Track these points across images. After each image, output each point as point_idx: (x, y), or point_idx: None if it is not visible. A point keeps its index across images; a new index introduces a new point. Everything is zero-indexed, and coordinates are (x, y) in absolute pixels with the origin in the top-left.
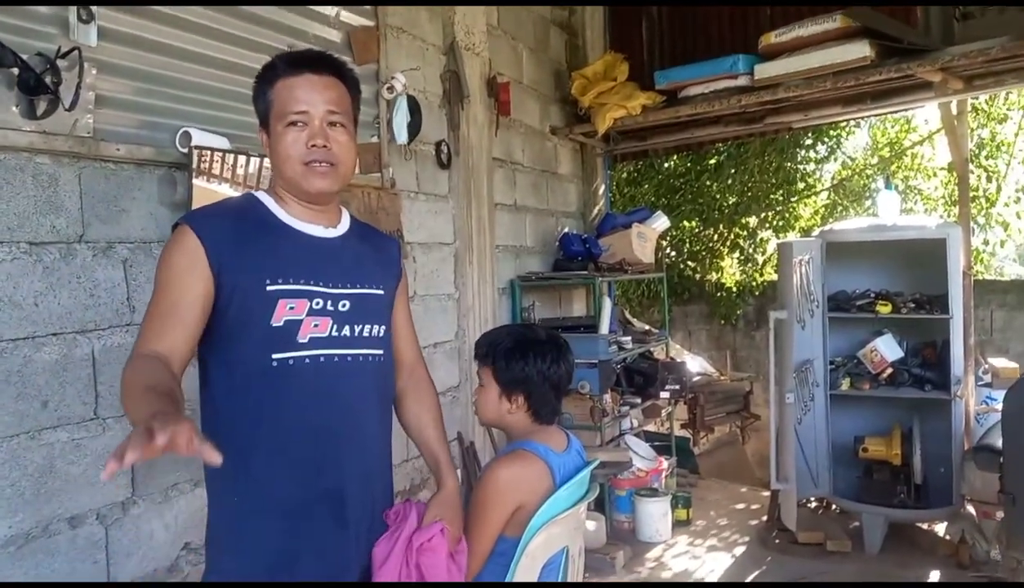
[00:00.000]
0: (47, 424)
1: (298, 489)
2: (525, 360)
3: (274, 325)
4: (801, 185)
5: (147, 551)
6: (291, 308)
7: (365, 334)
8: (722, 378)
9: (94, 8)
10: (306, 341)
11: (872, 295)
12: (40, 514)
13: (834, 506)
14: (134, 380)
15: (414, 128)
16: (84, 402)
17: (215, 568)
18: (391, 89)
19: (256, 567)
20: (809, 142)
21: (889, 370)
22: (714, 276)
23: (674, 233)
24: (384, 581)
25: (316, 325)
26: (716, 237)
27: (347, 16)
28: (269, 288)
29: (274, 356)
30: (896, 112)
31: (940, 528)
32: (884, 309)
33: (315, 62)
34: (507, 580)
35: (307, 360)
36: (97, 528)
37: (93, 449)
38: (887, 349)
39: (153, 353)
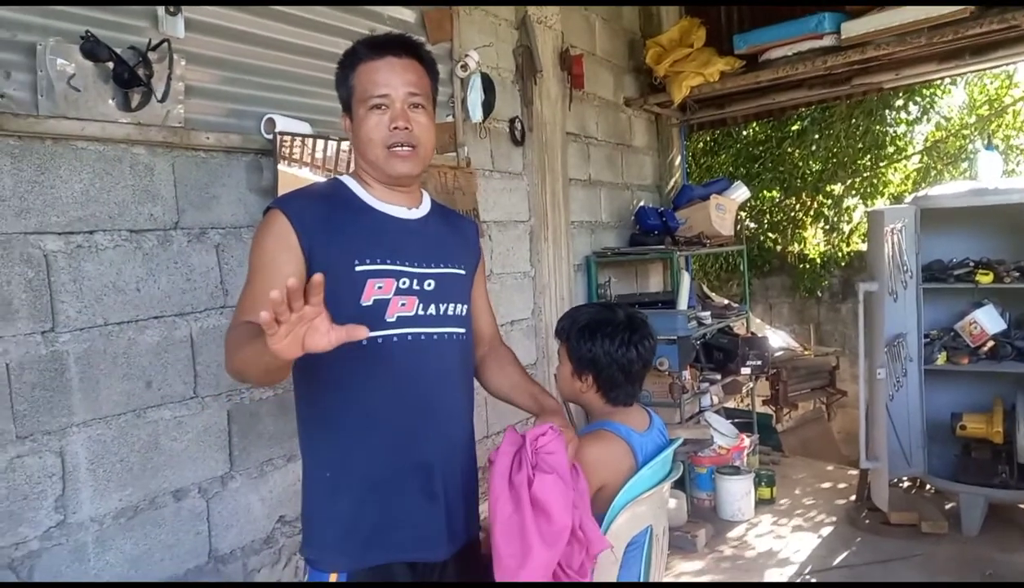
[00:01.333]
0: (151, 403)
1: (388, 463)
2: (593, 340)
3: (363, 305)
4: (891, 149)
5: (245, 523)
6: (379, 287)
7: (449, 313)
8: (806, 353)
9: None
10: (394, 320)
11: (971, 264)
12: (147, 488)
13: (928, 486)
14: (239, 339)
15: (488, 105)
16: (184, 381)
17: (311, 541)
18: (464, 67)
19: (351, 539)
20: (900, 103)
21: (990, 343)
22: (796, 247)
23: (754, 203)
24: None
25: (403, 304)
26: (799, 206)
27: None
28: (358, 268)
29: None
30: (997, 67)
31: None
32: (985, 278)
33: (395, 45)
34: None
35: (395, 339)
36: (199, 501)
37: (193, 426)
38: (988, 321)
39: None
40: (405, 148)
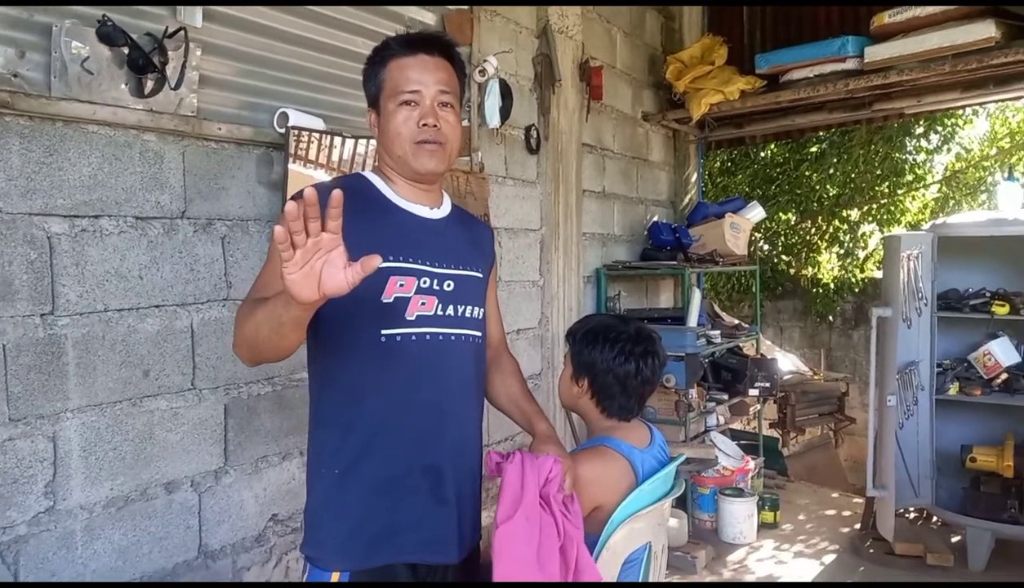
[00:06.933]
0: (148, 392)
1: (400, 463)
2: (593, 346)
3: (384, 301)
4: (910, 177)
5: (237, 520)
6: (401, 285)
7: (466, 315)
8: (815, 377)
9: None
10: (413, 318)
11: (987, 294)
12: (139, 478)
13: (935, 518)
14: (251, 308)
15: (504, 112)
16: (182, 372)
17: (313, 539)
18: (483, 72)
19: (356, 539)
20: (920, 131)
21: (1004, 375)
22: (810, 271)
23: (768, 225)
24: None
25: (423, 303)
26: (814, 230)
27: None
28: (381, 265)
29: (383, 332)
30: (1021, 98)
31: None
32: (1001, 310)
33: (428, 43)
34: None
35: (413, 337)
36: (191, 494)
37: (189, 418)
38: (1002, 353)
39: None
40: (432, 144)
